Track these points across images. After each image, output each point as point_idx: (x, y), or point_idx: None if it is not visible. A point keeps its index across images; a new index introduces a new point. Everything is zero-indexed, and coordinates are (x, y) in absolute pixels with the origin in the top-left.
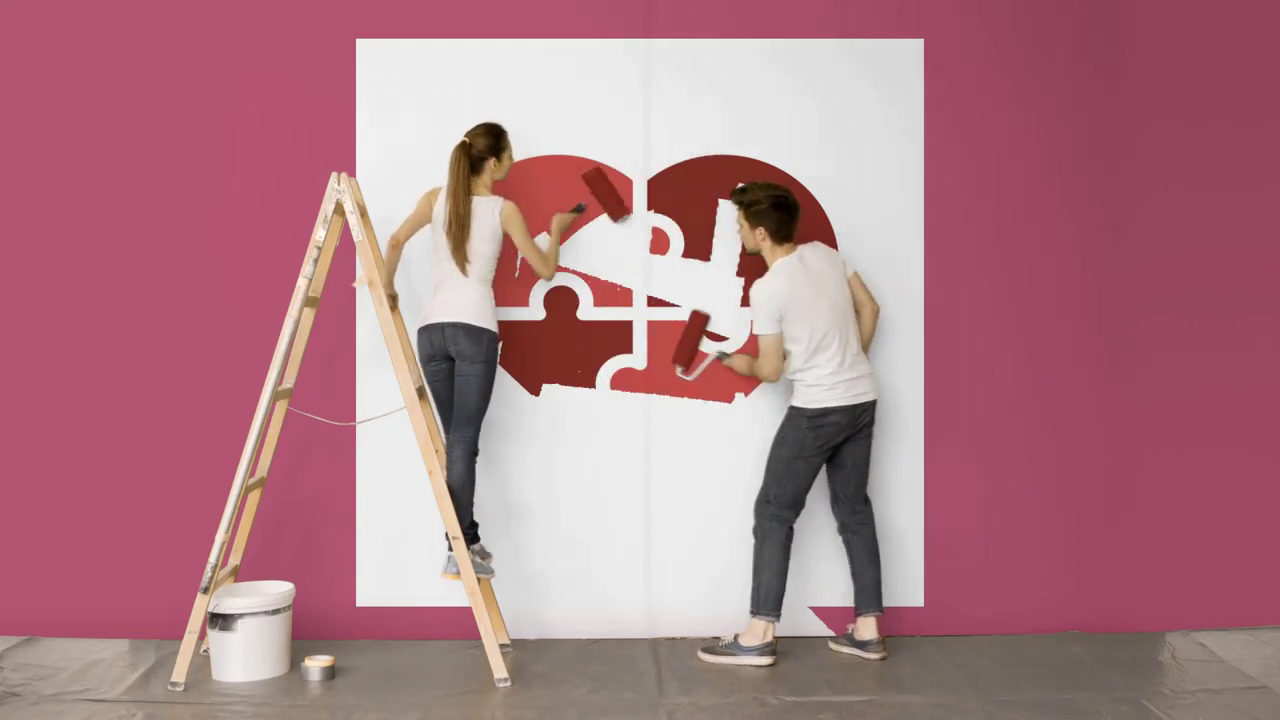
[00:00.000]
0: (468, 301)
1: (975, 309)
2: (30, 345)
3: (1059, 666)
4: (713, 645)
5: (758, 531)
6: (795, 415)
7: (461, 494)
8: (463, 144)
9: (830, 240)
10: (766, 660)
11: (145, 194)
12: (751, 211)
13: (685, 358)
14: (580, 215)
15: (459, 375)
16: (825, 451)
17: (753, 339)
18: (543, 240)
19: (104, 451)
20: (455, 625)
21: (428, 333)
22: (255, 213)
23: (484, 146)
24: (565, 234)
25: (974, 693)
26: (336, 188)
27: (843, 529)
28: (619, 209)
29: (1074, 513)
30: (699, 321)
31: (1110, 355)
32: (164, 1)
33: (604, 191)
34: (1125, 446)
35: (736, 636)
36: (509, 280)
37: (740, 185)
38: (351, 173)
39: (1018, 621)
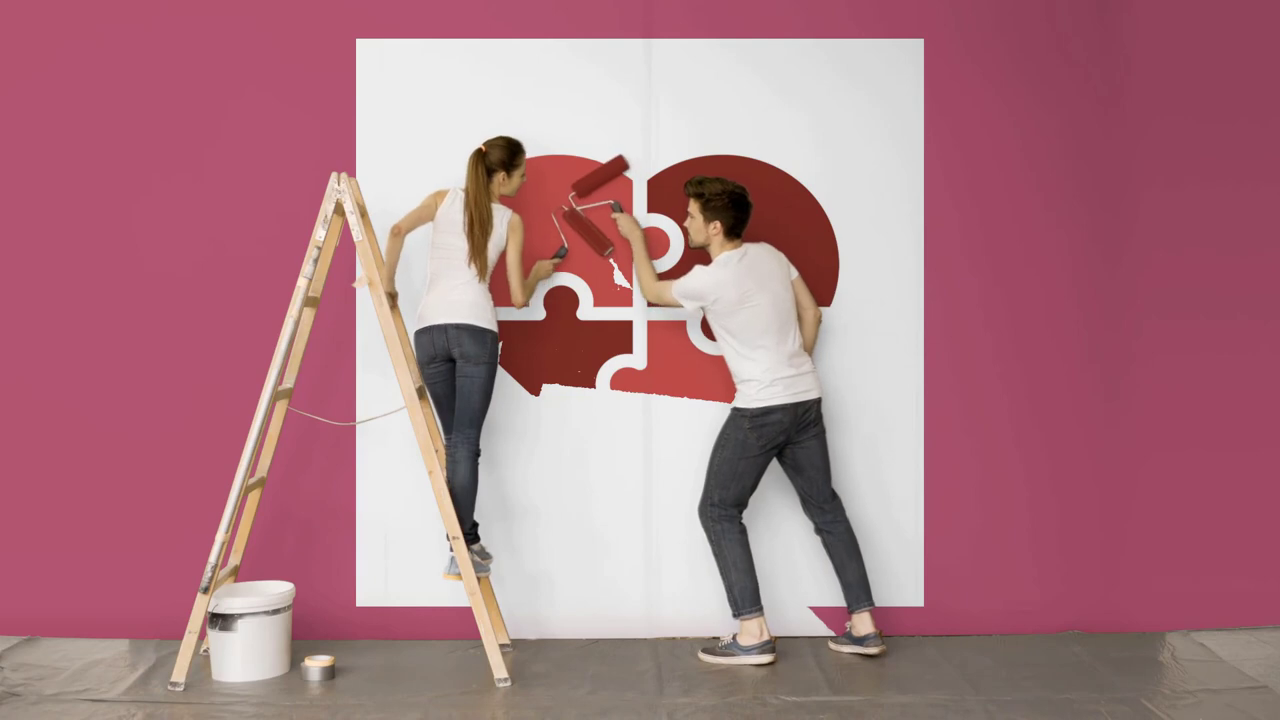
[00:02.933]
0: (469, 301)
1: (976, 309)
2: (30, 345)
3: (1059, 666)
4: (712, 646)
5: (710, 536)
6: (736, 416)
7: (464, 496)
8: (478, 151)
9: (830, 240)
10: (766, 659)
11: (145, 194)
12: (710, 206)
13: (587, 188)
14: (563, 260)
15: (461, 376)
16: (769, 452)
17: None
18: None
19: (104, 451)
20: (455, 625)
21: (429, 334)
22: (255, 213)
23: (496, 160)
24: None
25: (974, 693)
26: (336, 188)
27: (817, 530)
28: (602, 244)
29: (1074, 513)
30: (619, 166)
31: (1110, 356)
32: (164, 2)
33: (582, 228)
34: (1125, 446)
35: (735, 637)
36: (507, 279)
37: (697, 177)
38: (351, 173)
39: (1017, 621)
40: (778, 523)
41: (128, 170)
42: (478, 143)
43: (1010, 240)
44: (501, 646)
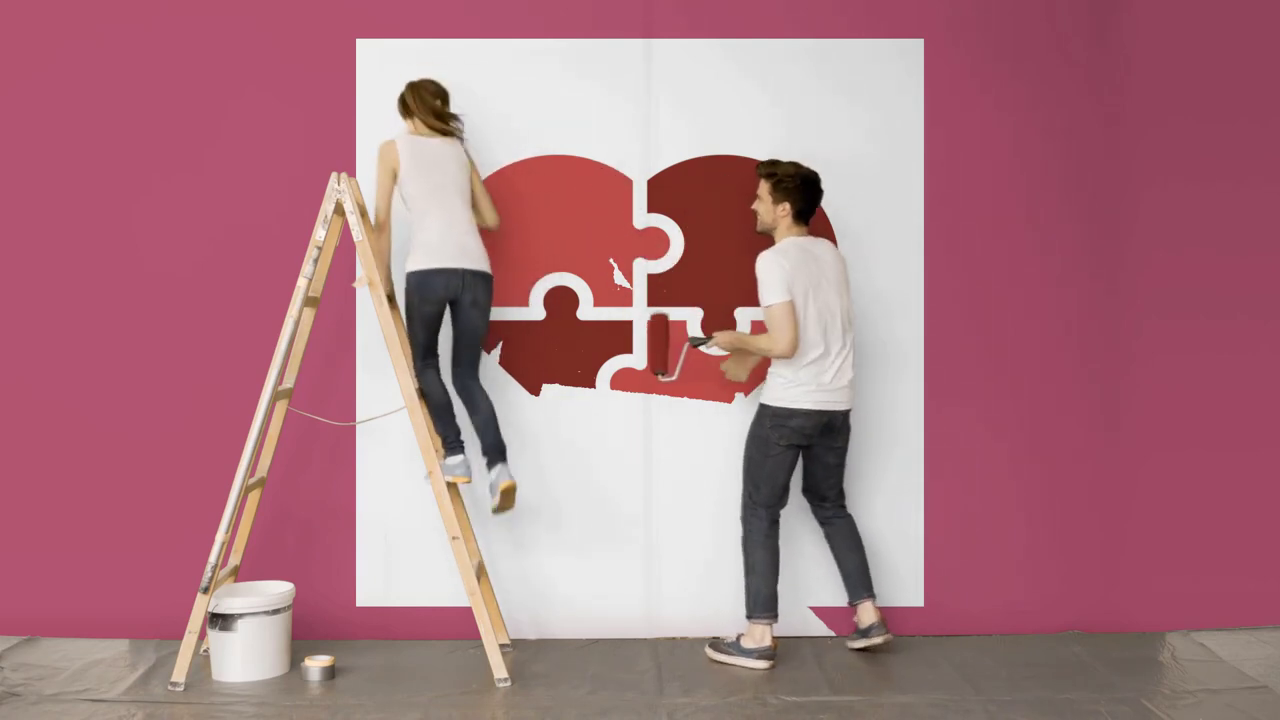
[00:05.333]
0: (477, 247)
1: (976, 309)
2: (31, 344)
3: (1059, 666)
4: (719, 642)
5: (742, 532)
6: (761, 414)
7: (447, 408)
8: (418, 88)
9: (830, 240)
10: (763, 665)
11: (146, 194)
12: (780, 186)
13: (661, 360)
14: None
15: (470, 318)
16: (794, 450)
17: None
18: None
19: (104, 451)
20: (455, 625)
21: (443, 276)
22: (256, 213)
23: (436, 90)
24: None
25: (974, 693)
26: (336, 188)
27: (821, 523)
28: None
29: (1074, 513)
30: (660, 323)
31: (1110, 356)
32: (164, 2)
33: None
34: (1125, 446)
35: (739, 636)
36: (507, 279)
37: (770, 159)
38: (351, 173)
39: (1018, 621)
40: (781, 519)
41: (128, 170)
42: (477, 142)
43: (1010, 240)
44: (501, 646)
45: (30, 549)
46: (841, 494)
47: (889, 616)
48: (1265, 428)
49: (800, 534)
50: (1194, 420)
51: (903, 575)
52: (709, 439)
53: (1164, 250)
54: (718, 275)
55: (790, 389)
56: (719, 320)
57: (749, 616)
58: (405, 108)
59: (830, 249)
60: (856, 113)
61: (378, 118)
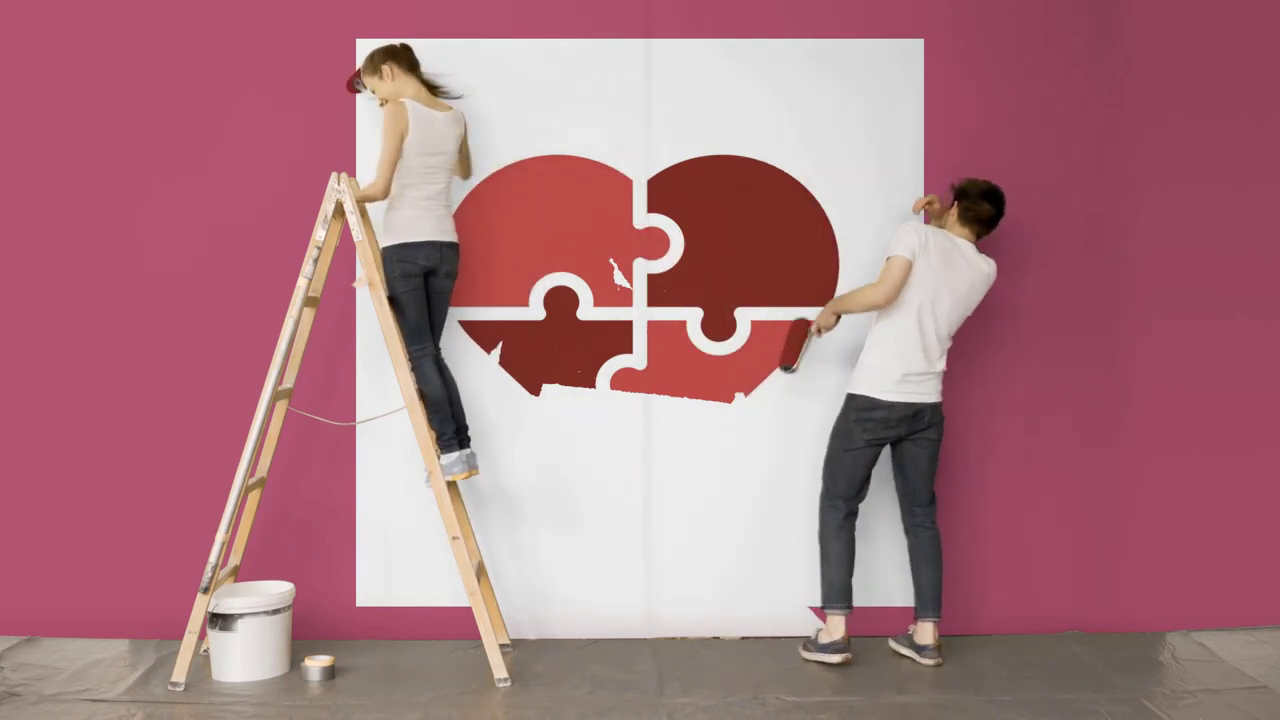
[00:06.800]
0: (450, 218)
1: (976, 309)
2: (31, 344)
3: (1059, 666)
4: (808, 641)
5: (819, 522)
6: (847, 404)
7: (445, 402)
8: (398, 50)
9: (830, 240)
10: (834, 659)
11: (145, 194)
12: (954, 189)
13: (793, 356)
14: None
15: (439, 292)
16: (876, 446)
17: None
18: None
19: (104, 451)
20: (455, 625)
21: (425, 249)
22: (256, 213)
23: (414, 59)
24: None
25: (974, 693)
26: (336, 188)
27: (906, 530)
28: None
29: (1074, 512)
30: (801, 327)
31: (1111, 356)
32: (164, 2)
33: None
34: (1125, 446)
35: (818, 633)
36: (507, 279)
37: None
38: (351, 173)
39: (1018, 621)
40: (782, 520)
41: (128, 170)
42: (476, 143)
43: (1010, 240)
44: (501, 646)
45: (30, 549)
46: (933, 500)
47: (886, 616)
48: (1265, 428)
49: (798, 532)
50: (1194, 420)
51: (902, 575)
52: (709, 439)
53: (1164, 250)
54: (718, 275)
55: (876, 380)
56: (719, 321)
57: (823, 607)
58: (397, 70)
59: (979, 268)
60: (857, 112)
61: (377, 118)
